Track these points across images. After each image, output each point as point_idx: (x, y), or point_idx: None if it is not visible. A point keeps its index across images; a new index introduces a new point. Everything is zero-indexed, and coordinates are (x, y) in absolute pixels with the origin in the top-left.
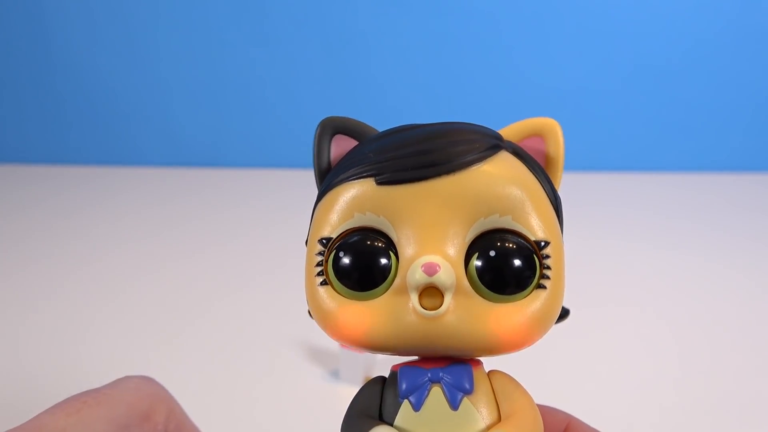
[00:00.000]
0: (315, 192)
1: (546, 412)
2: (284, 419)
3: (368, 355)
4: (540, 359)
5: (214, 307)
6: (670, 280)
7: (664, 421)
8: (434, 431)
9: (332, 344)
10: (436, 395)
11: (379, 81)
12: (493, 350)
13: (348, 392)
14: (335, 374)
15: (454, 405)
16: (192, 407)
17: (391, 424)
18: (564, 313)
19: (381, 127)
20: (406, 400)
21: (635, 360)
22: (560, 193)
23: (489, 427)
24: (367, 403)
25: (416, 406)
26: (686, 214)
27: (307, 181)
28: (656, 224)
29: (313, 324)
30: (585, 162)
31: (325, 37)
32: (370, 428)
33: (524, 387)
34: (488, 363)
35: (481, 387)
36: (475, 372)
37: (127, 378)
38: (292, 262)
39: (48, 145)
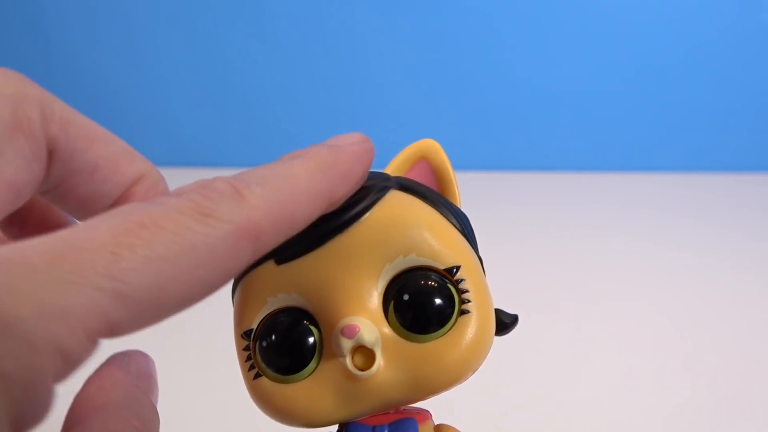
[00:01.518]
0: None
1: None
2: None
3: None
4: (541, 359)
5: (213, 306)
6: (671, 280)
7: (665, 421)
8: None
9: None
10: None
11: (379, 81)
12: (437, 389)
13: None
14: None
15: None
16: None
17: None
18: (511, 322)
19: (380, 128)
20: None
21: (635, 359)
22: (562, 193)
23: None
24: None
25: None
26: (686, 214)
27: None
28: (656, 224)
29: None
30: (584, 162)
31: (325, 37)
32: None
33: None
34: (490, 381)
35: None
36: (421, 427)
37: None
38: None
39: None
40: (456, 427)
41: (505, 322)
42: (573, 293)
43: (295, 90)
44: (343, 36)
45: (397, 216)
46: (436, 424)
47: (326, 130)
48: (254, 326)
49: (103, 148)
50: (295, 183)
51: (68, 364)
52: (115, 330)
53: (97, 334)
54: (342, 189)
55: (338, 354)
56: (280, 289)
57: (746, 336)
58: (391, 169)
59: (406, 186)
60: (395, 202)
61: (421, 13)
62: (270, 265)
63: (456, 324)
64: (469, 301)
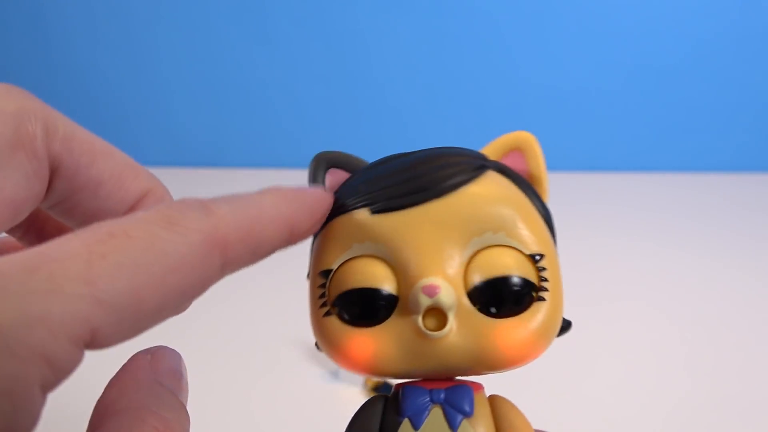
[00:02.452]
0: None
1: None
2: (283, 419)
3: None
4: (540, 359)
5: (213, 306)
6: (671, 280)
7: (665, 420)
8: None
9: None
10: (436, 416)
11: (380, 81)
12: (498, 366)
13: (348, 392)
14: (335, 374)
15: (454, 426)
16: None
17: None
18: (566, 326)
19: (381, 128)
20: (406, 419)
21: (635, 359)
22: (562, 193)
23: None
24: (368, 421)
25: (416, 426)
26: (686, 214)
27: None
28: (656, 224)
29: None
30: (585, 162)
31: (326, 37)
32: None
33: (524, 414)
34: (494, 379)
35: (481, 411)
36: (476, 395)
37: None
38: (292, 262)
39: None
40: (507, 398)
41: (565, 322)
42: (572, 293)
43: (295, 90)
44: (344, 36)
45: (492, 194)
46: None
47: (326, 130)
48: (334, 267)
49: (107, 164)
50: (261, 206)
51: (55, 371)
52: (98, 337)
53: (81, 341)
54: (304, 222)
55: (412, 310)
56: (369, 237)
57: (746, 336)
58: (486, 152)
59: (504, 170)
60: (492, 181)
61: (421, 14)
62: (364, 212)
63: (530, 308)
64: (546, 290)
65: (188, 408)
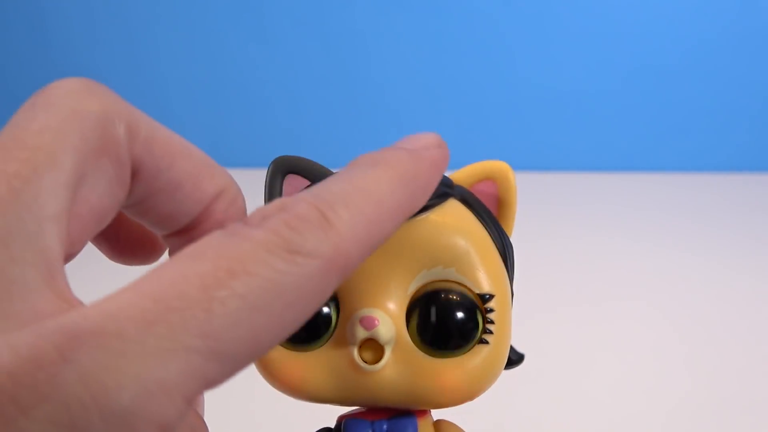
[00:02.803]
0: None
1: None
2: (283, 419)
3: None
4: (540, 359)
5: None
6: (671, 280)
7: (665, 420)
8: None
9: None
10: None
11: (379, 81)
12: (431, 405)
13: None
14: None
15: None
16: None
17: None
18: (516, 359)
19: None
20: None
21: (635, 359)
22: (562, 193)
23: None
24: None
25: None
26: (686, 214)
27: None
28: (656, 224)
29: None
30: (585, 162)
31: (325, 37)
32: None
33: None
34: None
35: None
36: (421, 423)
37: (45, 93)
38: None
39: None
40: (455, 423)
41: (510, 358)
42: (573, 293)
43: (295, 90)
44: (344, 36)
45: (449, 225)
46: (435, 420)
47: (326, 130)
48: None
49: (186, 164)
50: (380, 201)
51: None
52: (210, 386)
53: (194, 396)
54: (421, 202)
55: (349, 341)
56: None
57: (746, 336)
58: (458, 176)
59: (467, 200)
60: (452, 211)
61: (421, 14)
62: None
63: (472, 350)
64: (491, 332)
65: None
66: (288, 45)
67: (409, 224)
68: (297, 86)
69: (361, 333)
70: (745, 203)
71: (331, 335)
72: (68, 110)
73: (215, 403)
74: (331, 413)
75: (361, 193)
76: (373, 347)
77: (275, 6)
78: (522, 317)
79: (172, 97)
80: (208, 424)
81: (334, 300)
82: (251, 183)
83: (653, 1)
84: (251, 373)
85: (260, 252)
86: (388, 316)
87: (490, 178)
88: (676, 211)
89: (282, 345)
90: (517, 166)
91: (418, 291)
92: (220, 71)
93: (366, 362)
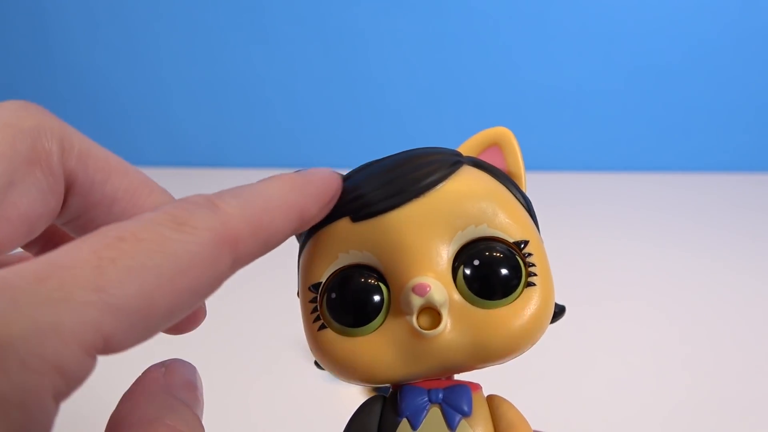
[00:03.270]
0: None
1: None
2: (283, 419)
3: None
4: (540, 359)
5: (212, 306)
6: (671, 280)
7: (665, 420)
8: None
9: None
10: (435, 416)
11: (379, 81)
12: (496, 357)
13: (347, 393)
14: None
15: (452, 426)
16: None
17: None
18: (559, 311)
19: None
20: (404, 420)
21: (635, 359)
22: (562, 193)
23: None
24: (366, 421)
25: (414, 426)
26: (686, 214)
27: None
28: (656, 224)
29: None
30: (585, 162)
31: (325, 37)
32: None
33: (522, 414)
34: (494, 378)
35: (480, 410)
36: (474, 395)
37: None
38: (292, 262)
39: None
40: (507, 399)
41: (558, 308)
42: (572, 293)
43: (295, 90)
44: (344, 36)
45: (470, 189)
46: (486, 395)
47: (326, 130)
48: (323, 279)
49: (121, 181)
50: (269, 196)
51: (68, 381)
52: (110, 343)
53: (93, 348)
54: (313, 207)
55: (406, 312)
56: (353, 246)
57: (746, 336)
58: (463, 149)
59: (479, 164)
60: (469, 176)
61: (421, 14)
62: (345, 222)
63: (521, 295)
64: (535, 275)
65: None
66: (288, 45)
67: (432, 196)
68: (297, 86)
69: (417, 301)
70: (745, 203)
71: (386, 316)
72: (2, 123)
73: (215, 404)
74: (331, 414)
75: (251, 190)
76: (430, 314)
77: (275, 6)
78: None
79: (172, 97)
80: (207, 426)
81: (383, 279)
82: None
83: (654, 1)
84: (252, 373)
85: (149, 224)
86: (437, 280)
87: (494, 144)
88: (676, 211)
89: (341, 334)
90: None
91: (457, 252)
92: (220, 71)
93: (426, 329)
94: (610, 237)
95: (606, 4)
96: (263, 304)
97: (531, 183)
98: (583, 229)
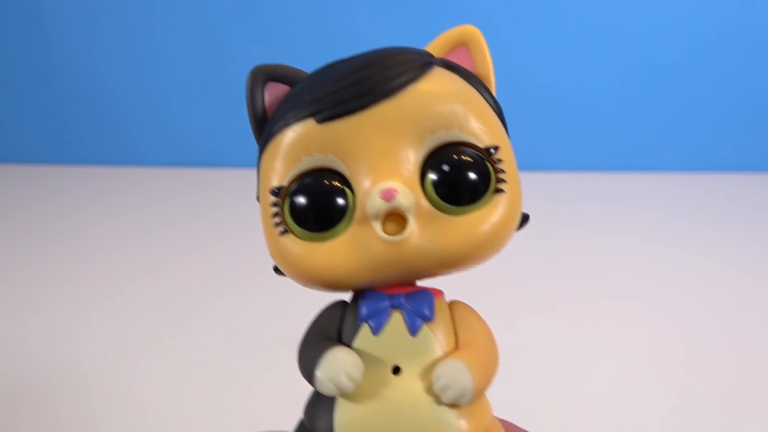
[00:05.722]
0: None
1: None
2: (283, 419)
3: None
4: (540, 358)
5: (212, 306)
6: (671, 280)
7: (665, 420)
8: (392, 355)
9: None
10: (396, 321)
11: None
12: (462, 263)
13: None
14: None
15: (413, 331)
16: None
17: (350, 347)
18: (524, 219)
19: None
20: (365, 324)
21: (634, 359)
22: (562, 193)
23: (446, 354)
24: (327, 325)
25: (375, 330)
26: (686, 214)
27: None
28: (656, 224)
29: None
30: (585, 162)
31: (325, 36)
32: (328, 348)
33: (484, 319)
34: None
35: (441, 315)
36: (437, 301)
37: None
38: None
39: (47, 145)
40: (467, 303)
41: (522, 216)
42: (573, 293)
43: None
44: (343, 36)
45: (442, 91)
46: (449, 301)
47: None
48: (285, 183)
49: None
50: None
51: None
52: None
53: None
54: None
55: (371, 217)
56: (317, 148)
57: (745, 336)
58: (431, 49)
59: (450, 66)
60: (440, 78)
61: (421, 14)
62: (310, 123)
63: (490, 201)
64: (504, 181)
65: (188, 406)
66: (288, 45)
67: (402, 96)
68: None
69: (383, 206)
70: (745, 203)
71: (350, 221)
72: None
73: (215, 402)
74: None
75: None
76: (395, 220)
77: (275, 6)
78: (522, 316)
79: (172, 97)
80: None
81: (347, 184)
82: (251, 183)
83: (653, 1)
84: (251, 373)
85: None
86: (404, 184)
87: (461, 44)
88: (676, 211)
89: (303, 239)
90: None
91: (426, 156)
92: (220, 71)
93: (391, 235)
94: (610, 237)
95: (605, 4)
96: (262, 304)
97: (530, 183)
98: (583, 229)
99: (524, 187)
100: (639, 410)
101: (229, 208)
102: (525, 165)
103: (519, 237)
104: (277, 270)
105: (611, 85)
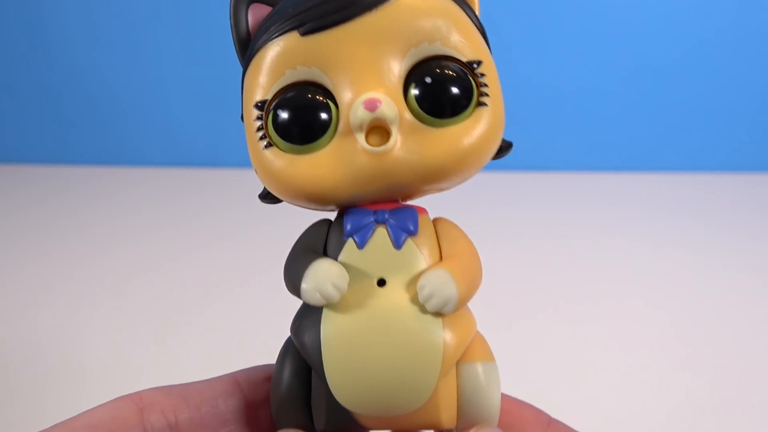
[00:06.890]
0: None
1: (528, 410)
2: None
3: None
4: (540, 358)
5: (213, 306)
6: (670, 280)
7: (665, 419)
8: (377, 268)
9: None
10: (381, 235)
11: None
12: (445, 176)
13: None
14: None
15: (398, 244)
16: None
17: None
18: (506, 146)
19: None
20: (350, 239)
21: (635, 358)
22: (562, 193)
23: (430, 267)
24: (312, 240)
25: (360, 245)
26: (686, 214)
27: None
28: (656, 224)
29: None
30: (585, 162)
31: None
32: (314, 260)
33: (467, 234)
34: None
35: (425, 230)
36: (421, 217)
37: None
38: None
39: (47, 145)
40: (450, 220)
41: (505, 143)
42: (573, 293)
43: None
44: None
45: (426, 5)
46: (433, 218)
47: None
48: (269, 97)
49: None
50: None
51: None
52: None
53: None
54: None
55: (354, 128)
56: (301, 61)
57: (745, 336)
58: None
59: None
60: None
61: None
62: (293, 36)
63: (472, 114)
64: (487, 95)
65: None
66: None
67: (385, 9)
68: None
69: (366, 116)
70: (745, 203)
71: (334, 134)
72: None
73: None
74: None
75: None
76: (379, 133)
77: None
78: (522, 316)
79: (172, 97)
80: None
81: (331, 97)
82: (251, 183)
83: (653, 1)
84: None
85: None
86: (387, 96)
87: None
88: (676, 211)
89: (285, 150)
90: (517, 166)
91: (409, 68)
92: (220, 71)
93: (374, 147)
94: (610, 237)
95: (606, 5)
96: (263, 303)
97: (530, 183)
98: (583, 229)
99: (524, 186)
100: (639, 409)
101: (229, 208)
102: (525, 165)
103: (519, 237)
104: (263, 197)
105: (611, 85)
